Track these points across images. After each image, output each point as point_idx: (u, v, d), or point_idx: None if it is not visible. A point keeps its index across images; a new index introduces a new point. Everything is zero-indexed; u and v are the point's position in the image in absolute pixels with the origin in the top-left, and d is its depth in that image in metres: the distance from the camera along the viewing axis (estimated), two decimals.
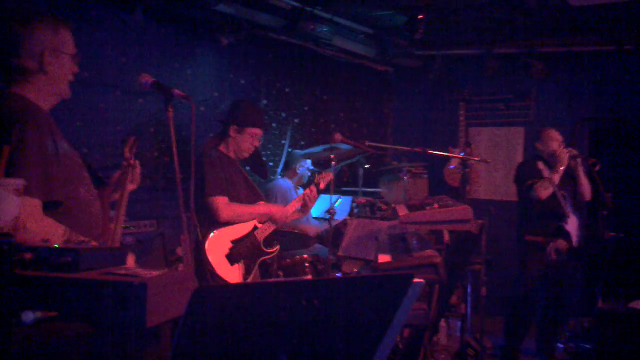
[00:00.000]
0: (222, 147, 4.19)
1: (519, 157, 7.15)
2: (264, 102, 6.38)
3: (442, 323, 5.39)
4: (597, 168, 5.09)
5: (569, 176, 5.24)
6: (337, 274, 4.52)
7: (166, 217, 4.57)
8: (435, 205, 3.69)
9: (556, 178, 5.04)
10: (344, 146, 5.26)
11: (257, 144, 4.25)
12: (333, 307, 1.57)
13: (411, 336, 4.15)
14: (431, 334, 4.57)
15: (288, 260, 4.68)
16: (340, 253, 4.04)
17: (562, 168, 5.07)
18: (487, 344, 5.30)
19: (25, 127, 2.21)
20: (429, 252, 3.46)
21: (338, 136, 4.56)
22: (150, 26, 5.12)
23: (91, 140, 4.65)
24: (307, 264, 4.73)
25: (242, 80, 6.14)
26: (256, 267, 4.06)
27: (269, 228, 4.15)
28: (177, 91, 2.81)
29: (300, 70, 6.81)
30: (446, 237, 4.76)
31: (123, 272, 1.81)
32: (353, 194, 6.24)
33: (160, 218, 4.48)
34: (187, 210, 2.74)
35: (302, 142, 6.81)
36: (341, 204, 6.10)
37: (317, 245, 5.30)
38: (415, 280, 1.56)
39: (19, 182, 1.97)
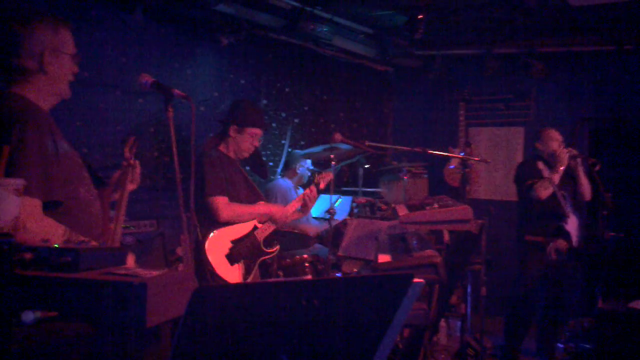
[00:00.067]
0: (222, 147, 4.19)
1: (519, 157, 7.14)
2: (264, 102, 6.38)
3: (442, 323, 5.39)
4: (597, 168, 5.09)
5: (569, 176, 5.24)
6: (337, 274, 4.52)
7: (166, 217, 4.57)
8: (435, 205, 3.68)
9: (556, 178, 5.04)
10: (344, 146, 5.26)
11: (257, 144, 4.25)
12: (333, 307, 1.57)
13: (411, 336, 4.15)
14: (431, 334, 4.57)
15: (288, 260, 4.68)
16: (340, 253, 4.04)
17: (562, 168, 5.07)
18: (487, 344, 5.30)
19: (25, 127, 2.21)
20: (429, 252, 3.46)
21: (338, 136, 4.56)
22: (150, 26, 5.12)
23: (91, 140, 4.65)
24: (307, 264, 4.73)
25: (242, 80, 6.13)
26: (256, 267, 4.06)
27: (269, 228, 4.15)
28: (177, 91, 2.81)
29: (300, 70, 6.81)
30: (446, 237, 4.76)
31: (123, 272, 1.80)
32: (353, 194, 6.24)
33: (160, 218, 4.48)
34: (187, 210, 2.74)
35: (302, 142, 6.81)
36: (341, 204, 6.10)
37: (317, 245, 5.30)
38: (415, 280, 1.56)
39: (19, 182, 1.97)
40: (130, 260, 2.41)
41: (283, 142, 6.60)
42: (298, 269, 4.70)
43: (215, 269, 3.82)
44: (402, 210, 3.76)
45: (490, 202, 7.02)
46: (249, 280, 3.97)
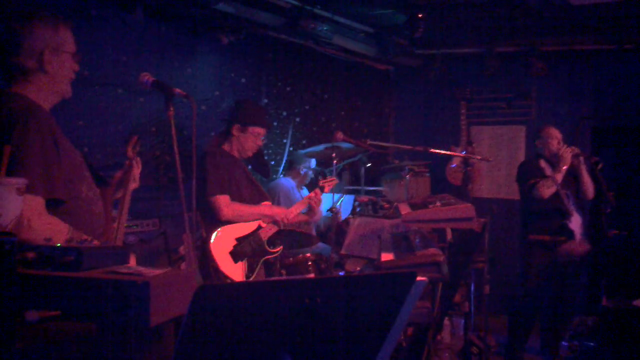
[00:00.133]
0: (225, 147, 4.19)
1: (521, 156, 7.14)
2: (265, 101, 6.38)
3: (446, 321, 5.38)
4: (600, 167, 5.08)
5: (572, 175, 5.23)
6: (340, 273, 4.51)
7: (168, 216, 4.56)
8: (438, 204, 3.68)
9: (559, 177, 5.03)
10: (345, 145, 5.26)
11: (260, 143, 4.26)
12: (336, 305, 1.56)
13: (415, 335, 4.15)
14: (435, 333, 4.56)
15: (291, 259, 4.68)
16: (343, 252, 4.04)
17: (565, 167, 5.06)
18: (491, 342, 5.29)
19: (27, 127, 2.20)
20: (431, 250, 3.45)
21: (340, 135, 4.56)
22: (150, 25, 5.12)
23: (92, 139, 4.64)
24: (310, 263, 4.73)
25: (242, 79, 6.13)
26: (259, 265, 4.06)
27: (273, 228, 4.16)
28: (177, 90, 2.80)
29: (300, 69, 6.81)
30: (449, 235, 4.75)
31: (126, 271, 1.80)
32: (355, 192, 6.23)
33: (163, 217, 4.47)
34: (190, 209, 2.73)
35: (304, 141, 6.80)
36: (344, 202, 6.09)
37: (320, 244, 5.30)
38: (418, 278, 1.56)
39: (20, 182, 1.96)
40: (132, 259, 2.40)
41: (284, 141, 6.59)
42: (301, 268, 4.70)
43: (219, 265, 3.83)
44: (404, 209, 3.75)
45: (493, 200, 7.02)
46: (253, 278, 3.97)
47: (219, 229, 3.92)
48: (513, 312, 5.36)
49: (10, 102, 2.31)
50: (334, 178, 4.52)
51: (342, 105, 7.46)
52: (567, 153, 5.09)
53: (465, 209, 3.59)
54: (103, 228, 2.49)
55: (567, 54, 6.84)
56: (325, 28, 5.87)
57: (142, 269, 1.85)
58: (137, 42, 5.02)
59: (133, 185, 2.79)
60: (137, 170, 2.80)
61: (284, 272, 4.57)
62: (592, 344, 4.84)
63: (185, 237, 2.72)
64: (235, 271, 3.90)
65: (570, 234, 5.08)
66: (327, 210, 4.89)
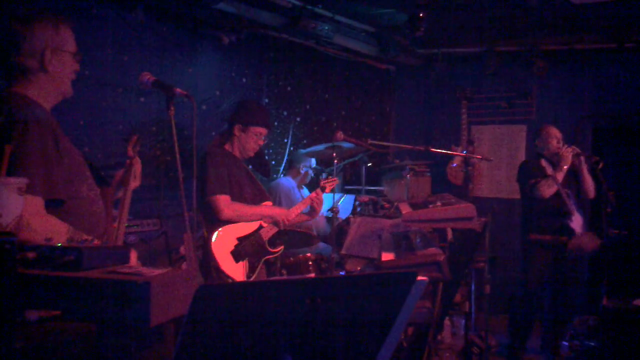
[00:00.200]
0: (227, 146, 4.20)
1: (522, 155, 7.14)
2: (266, 100, 6.38)
3: (446, 321, 5.38)
4: (601, 166, 5.08)
5: (573, 174, 5.22)
6: (340, 273, 4.51)
7: (169, 216, 4.57)
8: (438, 204, 3.68)
9: (560, 177, 5.03)
10: (346, 144, 5.25)
11: (261, 142, 4.26)
12: (337, 305, 1.57)
13: (415, 334, 4.15)
14: (435, 332, 4.56)
15: (291, 258, 4.68)
16: (343, 251, 4.04)
17: (565, 167, 5.06)
18: (492, 342, 5.30)
19: (27, 126, 2.20)
20: (432, 250, 3.45)
21: (340, 134, 4.56)
22: (151, 25, 5.11)
23: (93, 139, 4.64)
24: (310, 263, 4.73)
25: (243, 78, 6.13)
26: (260, 265, 4.07)
27: (274, 228, 4.16)
28: (178, 90, 2.80)
29: (301, 69, 6.80)
30: (449, 235, 4.75)
31: (126, 271, 1.80)
32: (356, 192, 6.23)
33: (163, 217, 4.48)
34: (190, 209, 2.73)
35: (305, 141, 6.80)
36: (344, 202, 6.09)
37: (321, 244, 5.30)
38: (419, 278, 1.56)
39: (21, 181, 1.96)
40: (133, 259, 2.40)
41: (285, 140, 6.59)
42: (301, 268, 4.70)
43: (221, 265, 3.83)
44: (405, 209, 3.75)
45: (493, 200, 7.03)
46: (254, 278, 3.98)
47: (220, 229, 3.92)
48: (514, 311, 5.36)
49: (11, 101, 2.31)
50: (335, 178, 4.52)
51: (343, 104, 7.45)
52: (568, 152, 5.09)
53: (466, 208, 3.59)
54: (104, 228, 2.49)
55: (568, 53, 6.83)
56: (326, 27, 5.87)
57: (142, 268, 1.85)
58: (137, 41, 5.02)
59: (134, 184, 2.79)
60: (138, 168, 2.80)
61: (284, 271, 4.57)
62: (592, 343, 4.84)
63: (186, 237, 2.72)
64: (237, 271, 3.91)
65: (571, 234, 5.08)
66: (328, 210, 4.89)
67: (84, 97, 4.50)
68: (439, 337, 5.18)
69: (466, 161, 5.34)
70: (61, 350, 1.83)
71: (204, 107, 5.57)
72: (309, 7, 5.59)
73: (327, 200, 5.16)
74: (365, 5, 5.85)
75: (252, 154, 4.26)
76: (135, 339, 1.77)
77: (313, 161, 5.90)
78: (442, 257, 3.34)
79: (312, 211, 4.41)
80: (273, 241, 4.16)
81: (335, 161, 4.77)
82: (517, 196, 5.56)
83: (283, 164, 6.41)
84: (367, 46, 6.83)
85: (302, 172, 5.84)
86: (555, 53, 6.80)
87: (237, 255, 3.93)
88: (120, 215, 2.63)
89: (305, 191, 5.85)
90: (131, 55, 4.96)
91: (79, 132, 4.52)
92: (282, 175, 6.09)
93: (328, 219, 5.72)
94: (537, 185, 5.08)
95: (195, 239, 3.63)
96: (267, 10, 5.51)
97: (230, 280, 3.81)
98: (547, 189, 5.04)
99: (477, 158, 5.97)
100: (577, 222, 5.10)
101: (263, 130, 4.22)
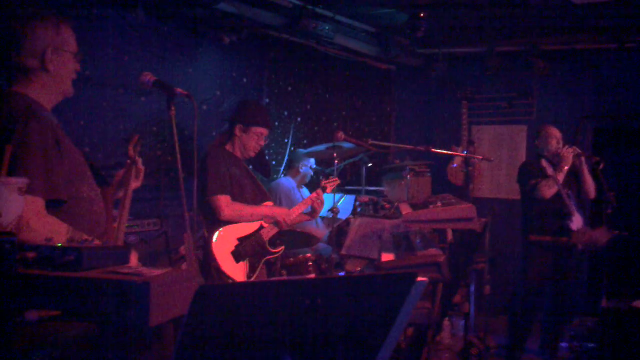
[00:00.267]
0: (228, 147, 4.20)
1: (522, 155, 7.13)
2: (266, 100, 6.38)
3: (446, 322, 5.38)
4: (601, 166, 5.08)
5: (573, 175, 5.22)
6: (340, 273, 4.51)
7: (169, 216, 4.57)
8: (439, 204, 3.68)
9: (560, 177, 5.03)
10: (346, 144, 5.25)
11: (262, 143, 4.26)
12: (336, 306, 1.57)
13: (414, 335, 4.15)
14: (434, 333, 4.57)
15: (291, 259, 4.68)
16: (343, 252, 4.04)
17: (566, 167, 5.06)
18: (491, 343, 5.29)
19: (28, 126, 2.20)
20: (432, 250, 3.46)
21: (341, 135, 4.56)
22: (152, 24, 5.11)
23: (93, 138, 4.64)
24: (310, 263, 4.72)
25: (244, 78, 6.13)
26: (261, 265, 4.07)
27: (275, 228, 4.16)
28: (179, 90, 2.80)
29: (302, 69, 6.80)
30: (449, 235, 4.75)
31: (126, 271, 1.80)
32: (356, 192, 6.23)
33: (163, 217, 4.48)
34: (190, 209, 2.73)
35: (305, 141, 6.80)
36: (344, 202, 6.09)
37: (321, 244, 5.30)
38: (419, 279, 1.56)
39: (21, 181, 1.96)
40: (133, 259, 2.40)
41: (286, 140, 6.59)
42: (301, 268, 4.70)
43: (221, 265, 3.83)
44: (405, 209, 3.76)
45: (494, 200, 7.02)
46: (254, 278, 3.98)
47: (221, 229, 3.93)
48: (513, 312, 5.36)
49: (12, 101, 2.31)
50: (336, 178, 4.52)
51: (344, 104, 7.45)
52: (569, 153, 5.09)
53: (466, 209, 3.59)
54: (104, 228, 2.49)
55: (568, 53, 6.83)
56: (326, 27, 5.87)
57: (142, 268, 1.85)
58: (138, 41, 5.02)
59: (135, 184, 2.79)
60: (140, 168, 2.80)
61: (284, 272, 4.57)
62: (591, 344, 4.85)
63: (186, 237, 2.72)
64: (237, 271, 3.91)
65: (571, 234, 5.08)
66: (328, 211, 4.89)
67: (85, 97, 4.50)
68: (438, 338, 5.19)
69: (466, 161, 5.34)
70: (61, 351, 1.84)
71: (204, 107, 5.57)
72: (310, 7, 5.59)
73: (327, 200, 5.17)
74: (366, 5, 5.86)
75: (253, 154, 4.26)
76: (134, 339, 1.77)
77: (312, 161, 5.90)
78: (442, 258, 3.35)
79: (313, 211, 4.42)
80: (273, 241, 4.16)
81: (336, 161, 4.77)
82: (518, 197, 5.55)
83: (283, 164, 6.41)
84: (367, 46, 6.83)
85: (302, 171, 5.85)
86: (555, 53, 6.80)
87: (237, 255, 3.94)
88: (121, 215, 2.63)
89: (305, 191, 5.85)
90: (132, 55, 4.96)
91: (80, 131, 4.52)
92: (282, 176, 6.09)
93: (327, 219, 5.73)
94: (537, 186, 5.07)
95: (196, 239, 3.63)
96: (267, 10, 5.51)
97: (230, 281, 3.81)
98: (548, 190, 5.04)
99: (477, 158, 5.97)
100: (577, 222, 5.10)
101: (264, 131, 4.23)
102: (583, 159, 5.22)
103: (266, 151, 6.20)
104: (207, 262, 3.84)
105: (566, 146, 5.17)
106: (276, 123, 6.46)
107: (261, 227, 4.10)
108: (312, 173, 5.93)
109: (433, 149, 4.56)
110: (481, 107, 7.34)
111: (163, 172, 5.03)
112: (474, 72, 7.31)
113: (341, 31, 6.27)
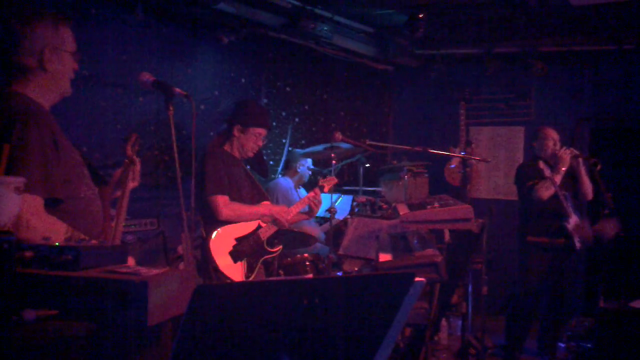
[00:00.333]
0: (226, 147, 4.20)
1: (520, 157, 7.14)
2: (265, 101, 6.38)
3: (443, 322, 5.39)
4: (599, 168, 5.08)
5: (570, 176, 5.23)
6: (338, 273, 4.52)
7: (167, 215, 4.56)
8: (436, 205, 3.68)
9: (558, 179, 5.03)
10: (344, 145, 5.26)
11: (261, 143, 4.26)
12: (334, 306, 1.57)
13: (412, 335, 4.16)
14: (432, 333, 4.58)
15: (289, 259, 4.68)
16: (341, 252, 4.04)
17: (563, 169, 5.06)
18: (488, 343, 5.30)
19: (26, 126, 2.20)
20: (429, 251, 3.46)
21: (338, 135, 4.56)
22: (150, 25, 5.11)
23: (91, 138, 4.64)
24: (307, 263, 4.73)
25: (242, 79, 6.13)
26: (259, 265, 4.07)
27: (272, 228, 4.16)
28: (177, 90, 2.80)
29: (300, 69, 6.81)
30: (447, 236, 4.76)
31: (124, 270, 1.80)
32: (353, 192, 6.24)
33: (161, 217, 4.47)
34: (188, 209, 2.73)
35: (303, 141, 6.81)
36: (342, 202, 6.09)
37: (318, 244, 5.31)
38: (417, 279, 1.56)
39: (19, 181, 1.96)
40: (131, 259, 2.40)
41: (284, 141, 6.59)
42: (299, 268, 4.70)
43: (219, 265, 3.83)
44: (402, 210, 3.76)
45: (491, 201, 7.03)
46: (252, 278, 3.98)
47: (219, 229, 3.93)
48: (510, 313, 5.36)
49: (10, 100, 2.31)
50: (334, 178, 4.52)
51: (342, 105, 7.46)
52: (566, 154, 5.09)
53: (464, 210, 3.60)
54: (101, 227, 2.49)
55: (566, 55, 6.84)
56: (325, 28, 5.88)
57: (140, 268, 1.85)
58: (137, 41, 5.02)
59: (133, 183, 2.78)
60: (137, 168, 2.80)
61: (281, 272, 4.57)
62: (589, 345, 4.85)
63: (184, 237, 2.72)
64: (235, 271, 3.91)
65: (568, 236, 5.08)
66: (325, 211, 4.89)
67: (83, 97, 4.50)
68: (435, 338, 5.19)
69: (464, 162, 5.33)
70: (59, 350, 1.83)
71: (202, 107, 5.57)
72: (309, 7, 5.59)
73: (324, 200, 5.18)
74: (365, 6, 5.86)
75: (251, 154, 4.26)
76: (132, 339, 1.77)
77: (309, 161, 5.90)
78: (439, 259, 3.35)
79: (310, 211, 4.41)
80: (271, 241, 4.16)
81: (334, 162, 4.77)
82: (515, 198, 5.56)
83: (281, 165, 6.41)
84: (366, 47, 6.84)
85: (299, 170, 5.85)
86: (553, 54, 6.81)
87: (235, 255, 3.94)
88: (118, 214, 2.63)
89: (302, 192, 5.85)
90: (130, 55, 4.96)
91: (78, 131, 4.52)
92: (280, 176, 6.09)
93: (319, 220, 5.74)
94: (535, 187, 5.08)
95: (193, 239, 3.63)
96: (266, 11, 5.51)
97: (228, 281, 3.81)
98: (545, 191, 5.04)
99: (475, 159, 5.97)
100: (574, 224, 5.11)
101: (262, 131, 4.22)
102: (580, 160, 5.22)
103: (264, 151, 6.20)
104: (205, 261, 3.84)
105: (564, 147, 5.17)
106: (274, 123, 6.46)
107: (259, 226, 4.10)
108: (309, 173, 5.93)
109: (431, 150, 4.57)
110: (479, 108, 7.34)
111: (161, 172, 5.03)
112: (472, 73, 7.31)
113: (340, 32, 6.28)
